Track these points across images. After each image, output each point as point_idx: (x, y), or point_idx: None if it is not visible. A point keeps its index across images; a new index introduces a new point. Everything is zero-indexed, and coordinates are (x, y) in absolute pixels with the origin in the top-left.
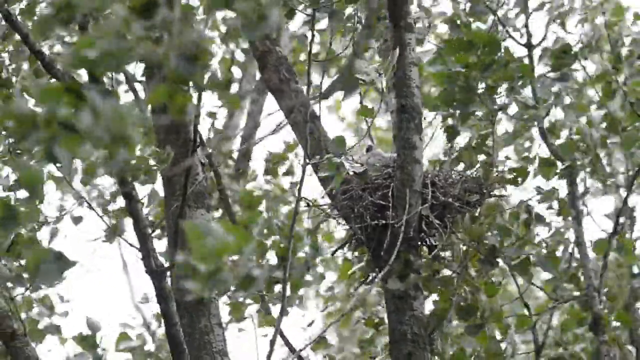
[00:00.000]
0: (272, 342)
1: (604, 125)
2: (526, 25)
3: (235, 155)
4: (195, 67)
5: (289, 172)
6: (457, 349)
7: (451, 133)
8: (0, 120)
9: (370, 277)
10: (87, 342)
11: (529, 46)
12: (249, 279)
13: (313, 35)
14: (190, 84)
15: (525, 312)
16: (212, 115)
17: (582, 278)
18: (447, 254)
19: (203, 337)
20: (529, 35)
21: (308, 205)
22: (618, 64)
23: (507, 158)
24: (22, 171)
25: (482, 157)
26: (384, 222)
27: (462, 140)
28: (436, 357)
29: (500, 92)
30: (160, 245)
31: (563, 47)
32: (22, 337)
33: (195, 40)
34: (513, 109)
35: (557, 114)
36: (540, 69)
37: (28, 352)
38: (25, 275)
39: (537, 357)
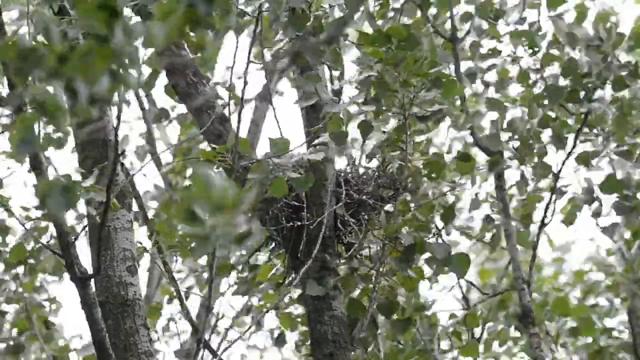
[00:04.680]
0: (198, 343)
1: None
2: (451, 19)
3: None
4: (212, 8)
5: None
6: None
7: (365, 128)
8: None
9: (289, 279)
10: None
11: (454, 40)
12: (245, 233)
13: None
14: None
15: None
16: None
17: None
18: (365, 252)
19: (128, 339)
20: (454, 29)
21: None
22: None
23: (422, 152)
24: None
25: (396, 153)
26: (299, 223)
27: (376, 136)
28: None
29: (416, 87)
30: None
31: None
32: None
33: None
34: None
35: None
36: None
37: None
38: None
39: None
